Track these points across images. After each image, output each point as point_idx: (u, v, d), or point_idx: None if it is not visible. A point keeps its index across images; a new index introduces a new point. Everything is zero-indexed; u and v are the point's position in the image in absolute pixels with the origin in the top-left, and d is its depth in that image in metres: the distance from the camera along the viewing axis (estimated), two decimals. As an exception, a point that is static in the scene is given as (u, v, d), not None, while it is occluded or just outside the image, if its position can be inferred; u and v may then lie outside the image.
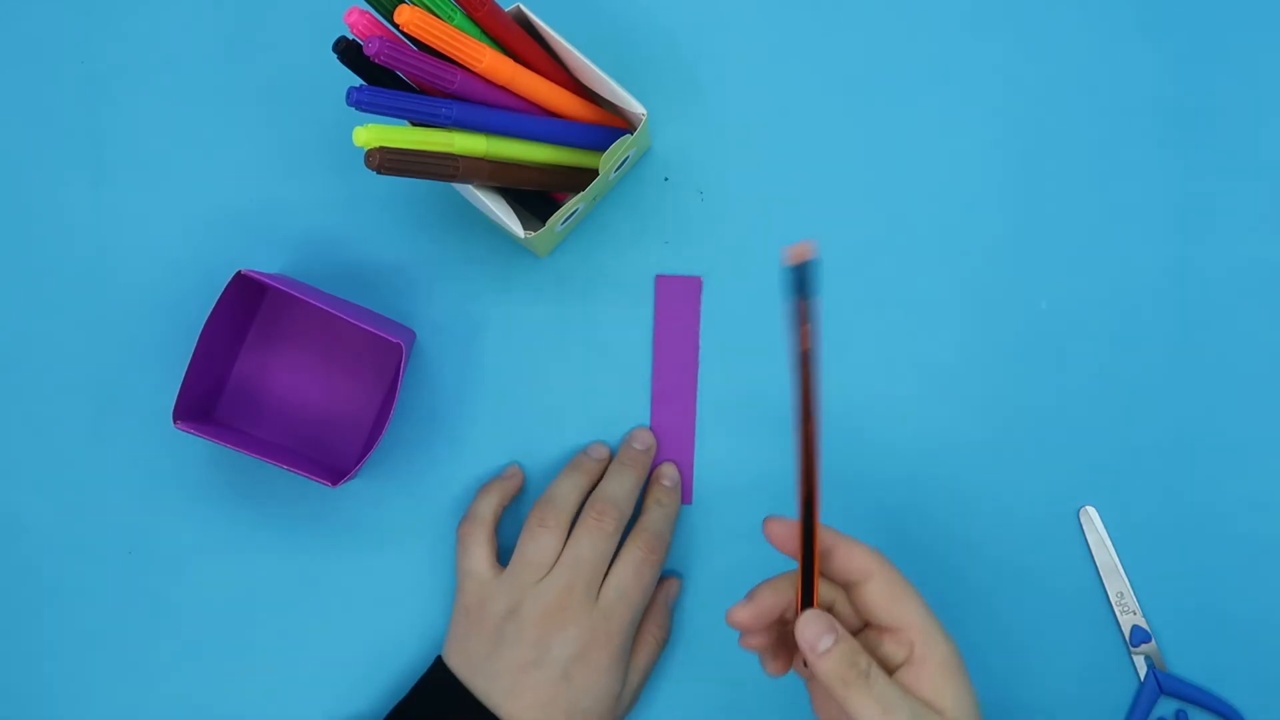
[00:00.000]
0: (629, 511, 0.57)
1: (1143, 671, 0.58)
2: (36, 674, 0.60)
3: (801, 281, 0.41)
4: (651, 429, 0.60)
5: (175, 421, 0.54)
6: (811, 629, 0.44)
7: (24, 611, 0.60)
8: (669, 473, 0.59)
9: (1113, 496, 0.59)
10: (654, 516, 0.57)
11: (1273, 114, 0.60)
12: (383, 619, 0.59)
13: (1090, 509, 0.59)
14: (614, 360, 0.60)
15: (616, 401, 0.60)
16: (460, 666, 0.55)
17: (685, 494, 0.60)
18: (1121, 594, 0.58)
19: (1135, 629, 0.58)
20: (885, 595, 0.45)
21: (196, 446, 0.60)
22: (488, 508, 0.57)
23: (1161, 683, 0.58)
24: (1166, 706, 0.58)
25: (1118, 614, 0.58)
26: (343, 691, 0.59)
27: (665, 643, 0.58)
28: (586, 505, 0.56)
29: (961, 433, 0.59)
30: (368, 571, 0.60)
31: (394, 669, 0.59)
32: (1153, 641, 0.58)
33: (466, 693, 0.54)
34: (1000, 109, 0.61)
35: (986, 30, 0.61)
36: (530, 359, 0.60)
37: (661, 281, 0.60)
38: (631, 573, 0.55)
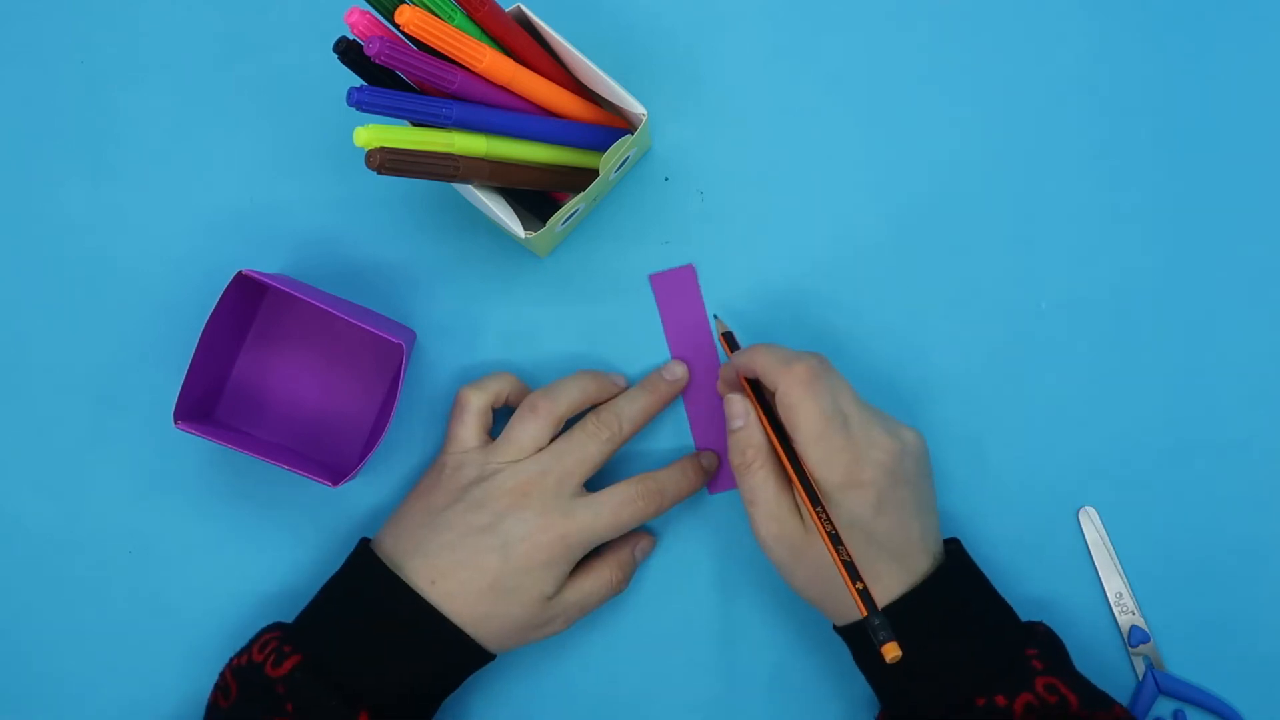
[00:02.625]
0: (630, 431, 0.57)
1: (1141, 671, 0.58)
2: (37, 674, 0.60)
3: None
4: (690, 419, 0.60)
5: (175, 421, 0.54)
6: (728, 409, 0.54)
7: (24, 611, 0.60)
8: (709, 457, 0.59)
9: (1113, 496, 0.59)
10: (669, 473, 0.57)
11: (1272, 114, 0.60)
12: (383, 619, 0.59)
13: (1090, 509, 0.59)
14: (614, 360, 0.60)
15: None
16: (404, 528, 0.55)
17: None
18: (1120, 594, 0.58)
19: (1134, 629, 0.58)
20: (785, 409, 0.52)
21: (196, 446, 0.60)
22: (504, 383, 0.57)
23: (1160, 683, 0.58)
24: (1165, 706, 0.58)
25: (1116, 614, 0.58)
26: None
27: (618, 590, 0.57)
28: (591, 411, 0.56)
29: (961, 433, 0.59)
30: (368, 571, 0.60)
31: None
32: (1151, 642, 0.58)
33: (386, 568, 0.53)
34: (1001, 108, 0.61)
35: (987, 30, 0.61)
36: (530, 360, 0.60)
37: (656, 279, 0.60)
38: (615, 501, 0.55)
